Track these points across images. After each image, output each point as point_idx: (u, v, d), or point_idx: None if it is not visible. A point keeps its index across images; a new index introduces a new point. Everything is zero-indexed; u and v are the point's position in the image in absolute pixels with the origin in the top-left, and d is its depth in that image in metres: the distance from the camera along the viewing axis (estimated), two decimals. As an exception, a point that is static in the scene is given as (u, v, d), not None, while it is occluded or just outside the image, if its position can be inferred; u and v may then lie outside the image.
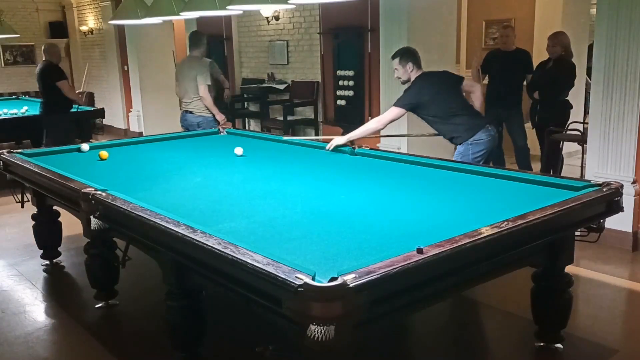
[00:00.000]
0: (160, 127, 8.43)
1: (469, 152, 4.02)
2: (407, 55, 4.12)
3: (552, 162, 5.82)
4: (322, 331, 1.70)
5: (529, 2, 7.77)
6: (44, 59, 6.75)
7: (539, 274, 2.86)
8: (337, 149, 4.07)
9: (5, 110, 7.00)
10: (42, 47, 6.88)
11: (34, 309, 3.64)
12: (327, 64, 7.54)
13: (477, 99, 4.25)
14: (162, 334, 2.72)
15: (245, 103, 9.07)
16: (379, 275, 1.82)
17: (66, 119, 6.73)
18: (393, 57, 4.18)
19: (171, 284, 2.57)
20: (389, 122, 4.04)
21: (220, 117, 5.85)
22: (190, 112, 5.85)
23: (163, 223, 2.39)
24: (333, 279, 1.76)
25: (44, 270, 4.22)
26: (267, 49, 8.66)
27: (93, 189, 2.93)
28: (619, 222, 4.03)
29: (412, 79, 4.08)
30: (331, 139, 4.14)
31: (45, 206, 4.05)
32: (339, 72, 7.26)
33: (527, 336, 3.02)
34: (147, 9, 4.78)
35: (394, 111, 4.02)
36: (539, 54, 6.49)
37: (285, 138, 4.69)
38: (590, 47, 6.06)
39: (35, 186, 3.75)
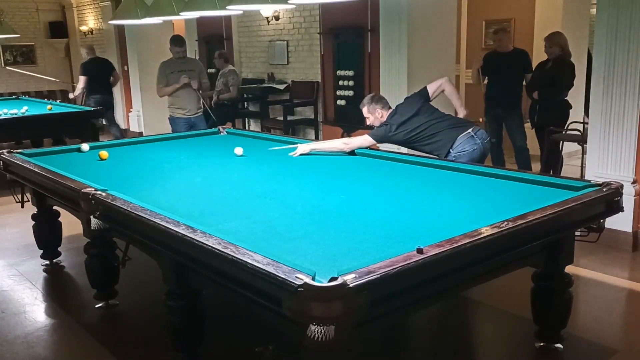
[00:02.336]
0: (160, 127, 8.43)
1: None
2: (373, 102, 4.17)
3: (552, 162, 5.82)
4: (322, 331, 1.70)
5: (529, 2, 7.75)
6: (90, 56, 8.58)
7: (539, 274, 2.86)
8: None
9: (5, 110, 6.99)
10: (87, 47, 8.80)
11: (34, 309, 3.64)
12: (327, 64, 7.54)
13: (451, 95, 4.20)
14: (162, 334, 2.72)
15: (245, 103, 9.06)
16: (379, 275, 1.82)
17: None
18: (361, 107, 4.24)
19: (171, 284, 2.57)
20: (356, 149, 4.06)
21: (183, 80, 6.22)
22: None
23: (163, 223, 2.39)
24: (333, 279, 1.76)
25: (44, 270, 4.22)
26: (267, 49, 8.66)
27: (93, 189, 2.92)
28: (619, 222, 4.04)
29: (385, 119, 4.11)
30: (296, 147, 4.11)
31: (45, 206, 4.05)
32: (339, 72, 7.25)
33: (527, 336, 3.02)
34: (147, 9, 4.78)
35: (366, 140, 4.04)
36: (539, 54, 6.48)
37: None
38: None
39: (35, 186, 3.75)
